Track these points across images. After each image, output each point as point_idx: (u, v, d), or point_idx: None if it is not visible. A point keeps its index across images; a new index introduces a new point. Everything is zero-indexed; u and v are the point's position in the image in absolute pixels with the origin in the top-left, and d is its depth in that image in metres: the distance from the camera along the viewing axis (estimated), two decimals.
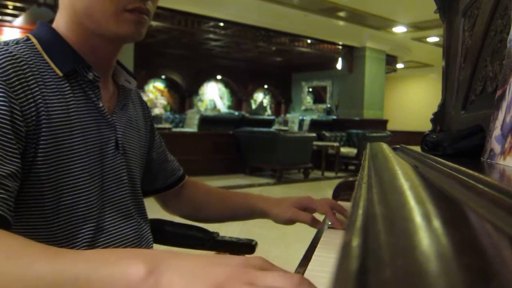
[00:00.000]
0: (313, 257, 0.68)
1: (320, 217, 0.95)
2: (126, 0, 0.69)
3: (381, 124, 9.66)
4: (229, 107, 13.78)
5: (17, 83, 0.63)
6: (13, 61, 0.64)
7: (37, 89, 0.65)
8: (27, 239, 0.51)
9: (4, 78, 0.61)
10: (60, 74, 0.69)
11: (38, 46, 0.70)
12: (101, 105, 0.74)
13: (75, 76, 0.72)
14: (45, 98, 0.66)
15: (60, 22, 0.74)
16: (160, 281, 0.39)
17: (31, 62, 0.66)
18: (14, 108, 0.61)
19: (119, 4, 0.68)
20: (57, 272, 0.44)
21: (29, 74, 0.65)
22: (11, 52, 0.64)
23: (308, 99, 14.17)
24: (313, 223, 0.89)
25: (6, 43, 0.67)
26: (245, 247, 1.01)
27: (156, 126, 1.02)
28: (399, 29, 8.83)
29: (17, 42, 0.69)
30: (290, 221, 0.91)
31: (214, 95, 13.54)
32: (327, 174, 7.67)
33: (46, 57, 0.69)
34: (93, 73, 0.72)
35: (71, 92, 0.70)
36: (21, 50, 0.67)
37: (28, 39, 0.71)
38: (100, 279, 0.42)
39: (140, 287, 0.40)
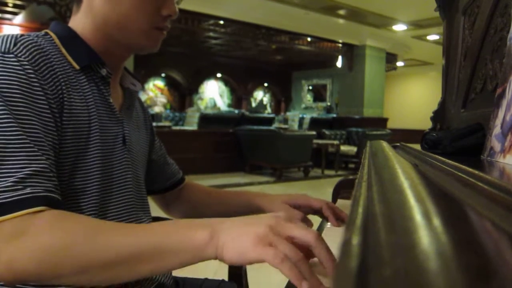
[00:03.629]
0: None
1: (318, 219, 0.94)
2: (158, 20, 0.76)
3: (381, 122, 9.65)
4: (229, 105, 13.77)
5: (46, 71, 0.65)
6: (40, 50, 0.66)
7: (61, 77, 0.67)
8: (96, 218, 0.60)
9: (36, 68, 0.63)
10: (77, 67, 0.72)
11: (56, 40, 0.72)
12: (111, 100, 0.77)
13: (89, 70, 0.74)
14: (67, 87, 0.68)
15: (80, 24, 0.76)
16: (218, 242, 0.50)
17: (52, 53, 0.68)
18: (48, 97, 0.64)
19: (152, 23, 0.75)
20: (135, 244, 0.52)
21: (54, 63, 0.67)
22: (36, 42, 0.66)
23: (308, 97, 14.16)
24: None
25: (29, 34, 0.68)
26: None
27: (156, 124, 1.03)
28: (399, 27, 8.81)
29: (37, 35, 0.70)
30: None
31: (214, 93, 13.53)
32: (327, 172, 7.67)
33: (64, 51, 0.71)
34: (106, 69, 0.75)
35: (88, 85, 0.73)
36: (43, 42, 0.68)
37: (46, 33, 0.73)
38: (173, 245, 0.51)
39: (205, 248, 0.51)
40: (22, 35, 0.66)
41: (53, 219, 0.55)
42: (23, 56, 0.63)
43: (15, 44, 0.63)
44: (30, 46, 0.64)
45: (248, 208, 0.99)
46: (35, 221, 0.54)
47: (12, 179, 0.55)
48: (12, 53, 0.62)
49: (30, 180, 0.56)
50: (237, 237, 0.50)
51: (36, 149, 0.59)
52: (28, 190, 0.56)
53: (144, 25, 0.74)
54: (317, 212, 0.91)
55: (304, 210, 0.91)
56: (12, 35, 0.65)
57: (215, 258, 0.51)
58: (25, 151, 0.58)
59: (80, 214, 0.60)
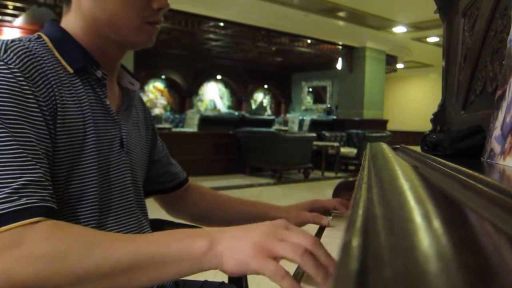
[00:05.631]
0: None
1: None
2: (148, 14, 0.74)
3: (381, 124, 9.65)
4: (229, 107, 13.79)
5: (38, 78, 0.64)
6: (31, 56, 0.65)
7: (54, 83, 0.66)
8: (92, 229, 0.60)
9: (27, 75, 0.62)
10: (71, 70, 0.70)
11: (49, 43, 0.71)
12: (107, 102, 0.75)
13: (84, 73, 0.73)
14: (61, 92, 0.67)
15: (71, 24, 0.74)
16: (217, 252, 0.51)
17: (45, 58, 0.67)
18: (40, 104, 0.63)
19: (143, 18, 0.73)
20: (133, 253, 0.52)
21: (46, 69, 0.66)
22: (27, 47, 0.65)
23: (308, 99, 14.17)
24: (317, 220, 0.90)
25: (20, 39, 0.68)
26: None
27: (156, 126, 1.02)
28: (399, 29, 8.82)
29: (29, 39, 0.70)
30: (299, 225, 0.95)
31: (214, 95, 13.55)
32: (327, 174, 7.67)
33: (57, 54, 0.70)
34: (101, 71, 0.74)
35: (83, 88, 0.72)
36: (35, 47, 0.67)
37: (39, 37, 0.72)
38: (172, 255, 0.52)
39: (204, 258, 0.51)
40: (12, 41, 0.65)
41: (49, 230, 0.55)
42: (13, 64, 0.62)
43: (5, 51, 0.62)
44: (20, 52, 0.63)
45: (261, 219, 0.98)
46: (31, 232, 0.54)
47: (6, 189, 0.55)
48: (2, 60, 0.61)
49: (25, 190, 0.56)
50: (236, 247, 0.50)
51: (29, 158, 0.58)
52: (23, 200, 0.55)
53: (135, 21, 0.72)
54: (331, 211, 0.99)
55: (319, 212, 0.97)
56: (2, 42, 0.64)
57: (215, 268, 0.52)
58: (19, 161, 0.57)
59: (77, 225, 0.60)
